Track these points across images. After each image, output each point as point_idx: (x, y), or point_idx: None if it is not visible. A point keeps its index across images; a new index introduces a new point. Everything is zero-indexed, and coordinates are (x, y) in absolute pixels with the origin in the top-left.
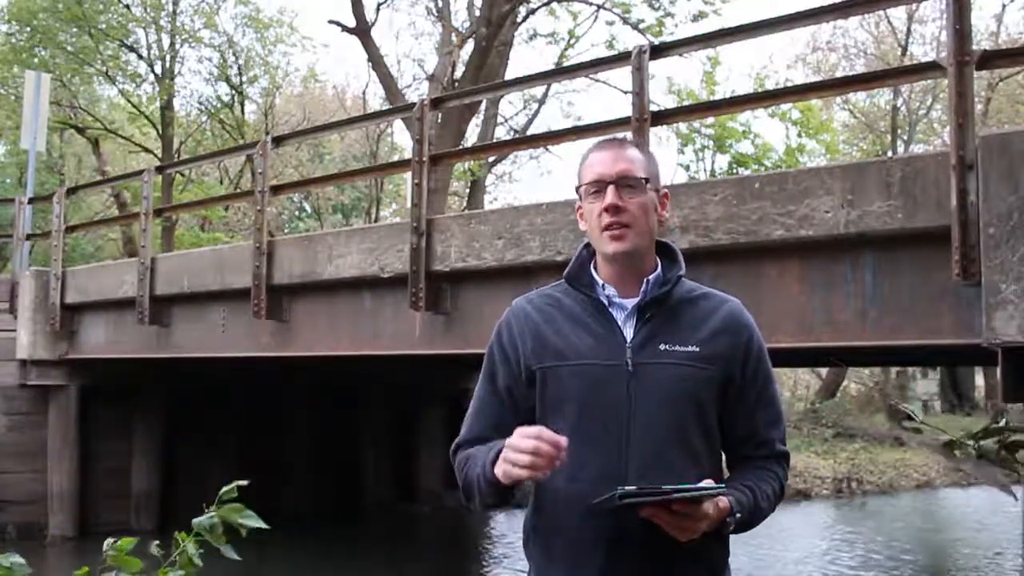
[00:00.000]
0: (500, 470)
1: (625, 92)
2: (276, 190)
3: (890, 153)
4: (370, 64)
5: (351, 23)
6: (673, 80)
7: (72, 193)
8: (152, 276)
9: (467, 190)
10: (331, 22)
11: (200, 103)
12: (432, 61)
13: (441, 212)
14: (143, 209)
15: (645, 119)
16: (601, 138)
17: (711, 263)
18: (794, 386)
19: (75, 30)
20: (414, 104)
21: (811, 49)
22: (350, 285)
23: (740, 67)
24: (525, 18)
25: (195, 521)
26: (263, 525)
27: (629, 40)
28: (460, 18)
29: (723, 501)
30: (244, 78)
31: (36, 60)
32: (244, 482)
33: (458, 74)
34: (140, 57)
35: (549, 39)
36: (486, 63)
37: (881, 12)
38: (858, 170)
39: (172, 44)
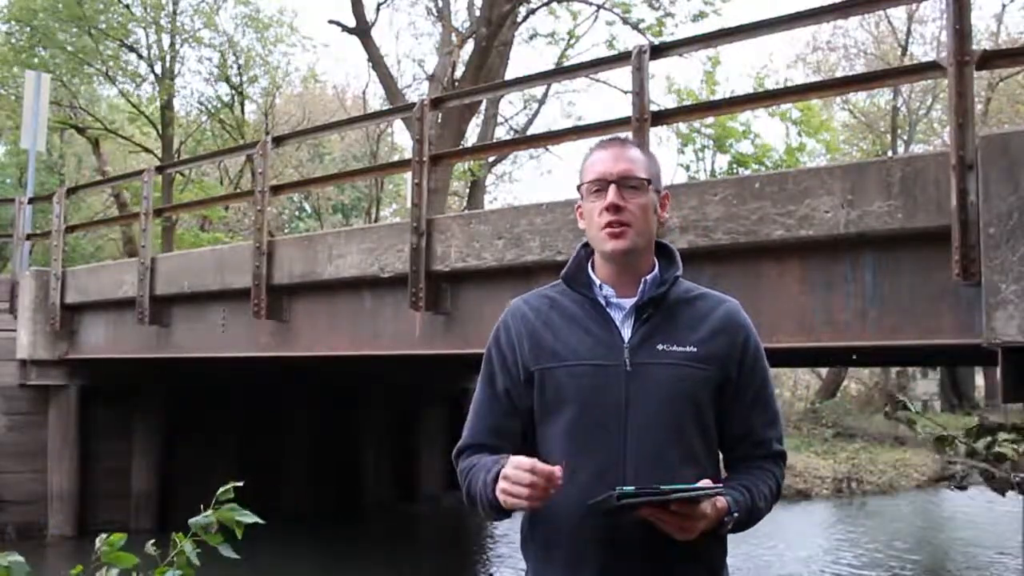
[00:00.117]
0: (500, 497)
1: (625, 92)
2: (276, 190)
3: (890, 153)
4: (370, 64)
5: (351, 23)
6: (673, 80)
7: (72, 193)
8: (152, 276)
9: (467, 190)
10: (331, 22)
11: (200, 103)
12: (432, 61)
13: (441, 212)
14: (143, 209)
15: (645, 119)
16: (603, 137)
17: (711, 263)
18: (794, 386)
19: (75, 30)
20: (414, 104)
21: (811, 49)
22: (350, 285)
23: (740, 67)
24: (525, 18)
25: (191, 521)
26: (259, 521)
27: (629, 40)
28: (460, 18)
29: (721, 501)
30: (244, 78)
31: (36, 60)
32: (239, 483)
33: (458, 74)
34: (140, 57)
35: (549, 39)
36: (486, 63)
37: (881, 12)
38: (858, 170)
39: (172, 44)
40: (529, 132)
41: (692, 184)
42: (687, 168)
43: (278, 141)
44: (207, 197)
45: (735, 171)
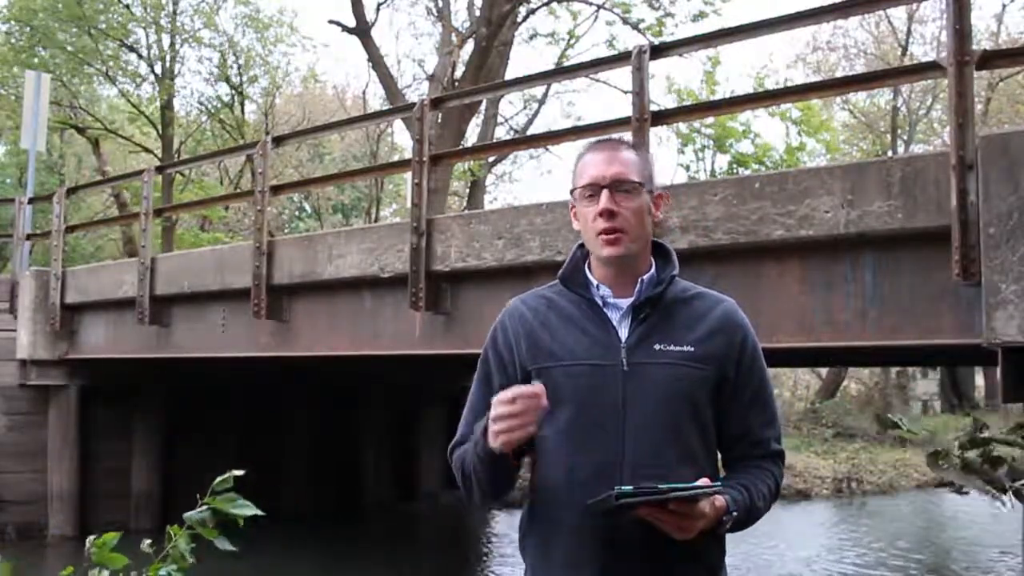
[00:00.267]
0: (496, 442)
1: (625, 92)
2: (276, 190)
3: (890, 153)
4: (370, 64)
5: (351, 23)
6: (673, 80)
7: (72, 193)
8: (152, 276)
9: (467, 190)
10: (331, 22)
11: (200, 103)
12: (432, 61)
13: (441, 212)
14: (143, 209)
15: (645, 119)
16: (596, 138)
17: (711, 263)
18: (794, 386)
19: (75, 30)
20: (414, 104)
21: (811, 49)
22: (350, 285)
23: (740, 67)
24: (525, 18)
25: (187, 515)
26: (258, 513)
27: (629, 40)
28: (460, 18)
29: (720, 500)
30: (244, 78)
31: (36, 60)
32: (240, 472)
33: (458, 74)
34: (140, 57)
35: (549, 39)
36: (486, 63)
37: (881, 12)
38: (858, 170)
39: (172, 44)
40: (529, 132)
41: (692, 184)
42: (687, 168)
43: (278, 141)
44: (207, 197)
45: (735, 171)
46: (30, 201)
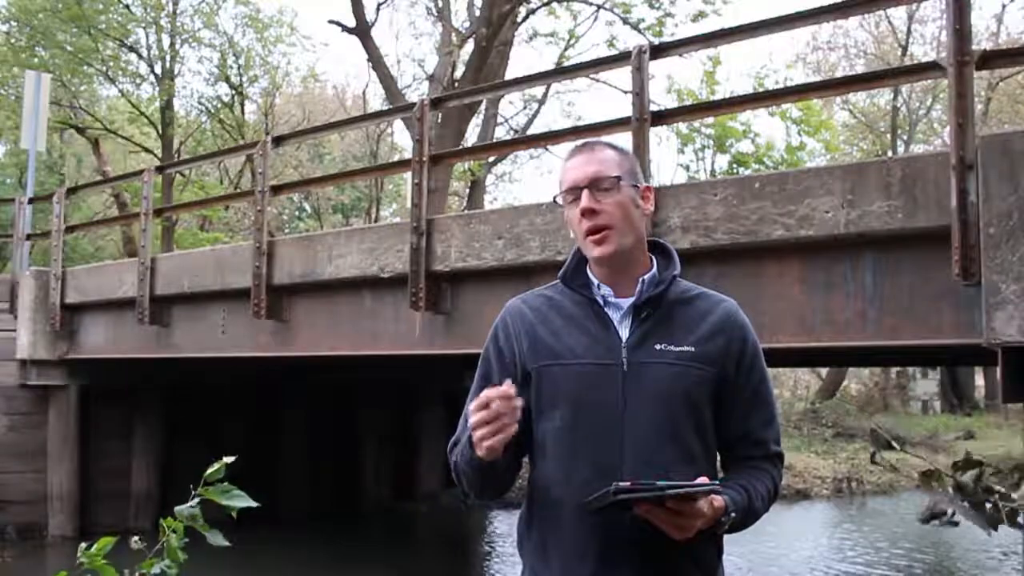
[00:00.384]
0: (481, 451)
1: (625, 92)
2: (276, 190)
3: (890, 153)
4: (370, 64)
5: (351, 23)
6: (673, 80)
7: (72, 193)
8: (152, 276)
9: (467, 190)
10: (331, 22)
11: (200, 103)
12: (432, 61)
13: (441, 212)
14: (143, 209)
15: (645, 119)
16: (576, 143)
17: (712, 263)
18: (794, 386)
19: (75, 30)
20: (414, 104)
21: (811, 49)
22: (350, 285)
23: (740, 67)
24: (525, 18)
25: (178, 509)
26: (252, 504)
27: (629, 40)
28: (460, 18)
29: (718, 500)
30: (244, 78)
31: (36, 60)
32: (231, 458)
33: (458, 74)
34: (140, 57)
35: (549, 39)
36: (486, 63)
37: (881, 12)
38: (858, 170)
39: (172, 44)
40: (529, 132)
41: (692, 184)
42: (687, 168)
43: (278, 141)
44: (207, 197)
45: (735, 171)
46: (30, 201)
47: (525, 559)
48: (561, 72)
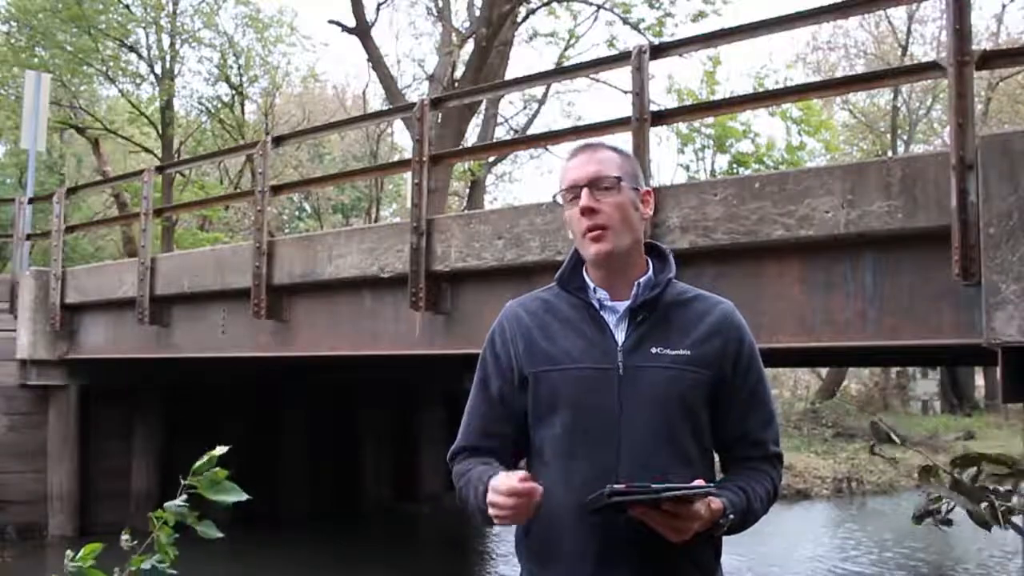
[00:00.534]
0: (492, 519)
1: (625, 92)
2: (276, 190)
3: (890, 153)
4: (370, 64)
5: (351, 23)
6: (673, 80)
7: (72, 193)
8: (152, 276)
9: (467, 190)
10: (331, 22)
11: (200, 103)
12: (432, 61)
13: (441, 212)
14: (143, 209)
15: (645, 119)
16: (578, 143)
17: (711, 263)
18: (794, 386)
19: (75, 30)
20: (414, 104)
21: (811, 49)
22: (350, 285)
23: (740, 67)
24: (525, 18)
25: (167, 505)
26: (243, 496)
27: (629, 40)
28: (460, 18)
29: (716, 502)
30: (244, 78)
31: (36, 60)
32: (223, 448)
33: (458, 74)
34: (140, 57)
35: (549, 39)
36: (486, 63)
37: (881, 12)
38: (858, 170)
39: (172, 44)
40: (529, 132)
41: (692, 184)
42: (687, 168)
43: (278, 141)
44: (207, 197)
45: (735, 171)
46: (30, 201)
47: (523, 562)
48: (561, 72)
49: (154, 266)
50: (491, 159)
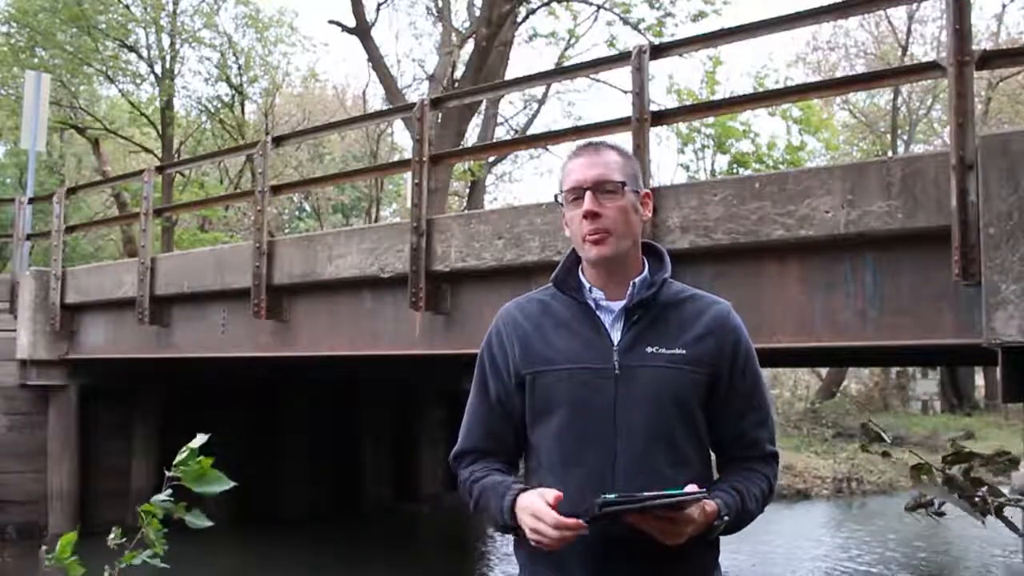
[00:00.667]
0: (530, 538)
1: (625, 92)
2: (276, 190)
3: (890, 153)
4: (370, 64)
5: (351, 23)
6: (673, 80)
7: (72, 193)
8: (152, 276)
9: (467, 190)
10: (331, 22)
11: (200, 103)
12: (432, 61)
13: (441, 212)
14: (143, 209)
15: (645, 119)
16: (580, 142)
17: (711, 263)
18: (794, 386)
19: (75, 30)
20: (414, 104)
21: (811, 49)
22: (350, 285)
23: (740, 66)
24: (525, 18)
25: (153, 499)
26: (229, 484)
27: (629, 40)
28: (460, 18)
29: (710, 504)
30: (244, 78)
31: (36, 60)
32: (204, 436)
33: (458, 74)
34: (140, 57)
35: (549, 39)
36: (486, 63)
37: (881, 12)
38: (858, 170)
39: (172, 44)
40: (529, 132)
41: (692, 184)
42: (687, 168)
43: (278, 141)
44: (207, 197)
45: (735, 171)
46: (30, 201)
47: (521, 561)
48: (561, 72)
49: (154, 266)
50: (491, 159)
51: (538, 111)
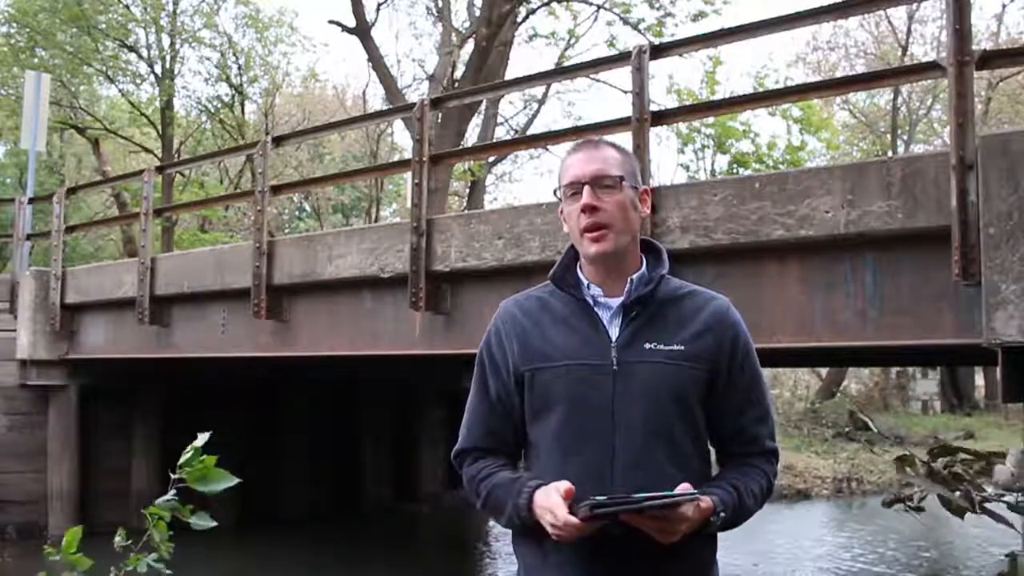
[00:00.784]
0: (550, 532)
1: (625, 92)
2: (276, 190)
3: (890, 153)
4: (370, 64)
5: (351, 23)
6: (673, 80)
7: (72, 193)
8: (152, 276)
9: (467, 190)
10: (331, 22)
11: (200, 103)
12: (432, 61)
13: (441, 212)
14: (143, 209)
15: (645, 119)
16: (578, 140)
17: (711, 263)
18: (794, 386)
19: (75, 30)
20: (414, 104)
21: (811, 49)
22: (350, 285)
23: (740, 66)
24: (525, 18)
25: (157, 502)
26: (233, 481)
27: (629, 40)
28: (460, 18)
29: (706, 501)
30: (244, 78)
31: (36, 60)
32: (206, 435)
33: (458, 74)
34: (140, 57)
35: (549, 39)
36: (486, 63)
37: (881, 12)
38: (858, 170)
39: (172, 44)
40: (529, 132)
41: (692, 184)
42: (687, 168)
43: (278, 141)
44: (207, 197)
45: (735, 171)
46: (30, 201)
47: (520, 559)
48: (561, 72)
49: (154, 266)
50: (491, 159)
51: (538, 111)
